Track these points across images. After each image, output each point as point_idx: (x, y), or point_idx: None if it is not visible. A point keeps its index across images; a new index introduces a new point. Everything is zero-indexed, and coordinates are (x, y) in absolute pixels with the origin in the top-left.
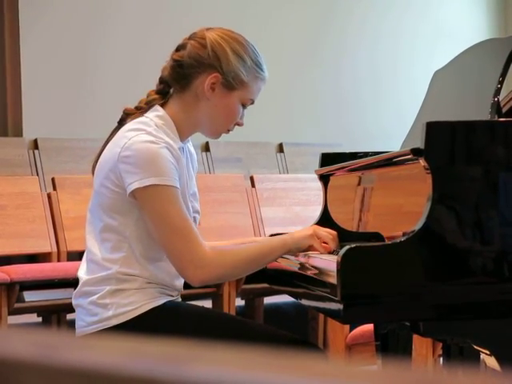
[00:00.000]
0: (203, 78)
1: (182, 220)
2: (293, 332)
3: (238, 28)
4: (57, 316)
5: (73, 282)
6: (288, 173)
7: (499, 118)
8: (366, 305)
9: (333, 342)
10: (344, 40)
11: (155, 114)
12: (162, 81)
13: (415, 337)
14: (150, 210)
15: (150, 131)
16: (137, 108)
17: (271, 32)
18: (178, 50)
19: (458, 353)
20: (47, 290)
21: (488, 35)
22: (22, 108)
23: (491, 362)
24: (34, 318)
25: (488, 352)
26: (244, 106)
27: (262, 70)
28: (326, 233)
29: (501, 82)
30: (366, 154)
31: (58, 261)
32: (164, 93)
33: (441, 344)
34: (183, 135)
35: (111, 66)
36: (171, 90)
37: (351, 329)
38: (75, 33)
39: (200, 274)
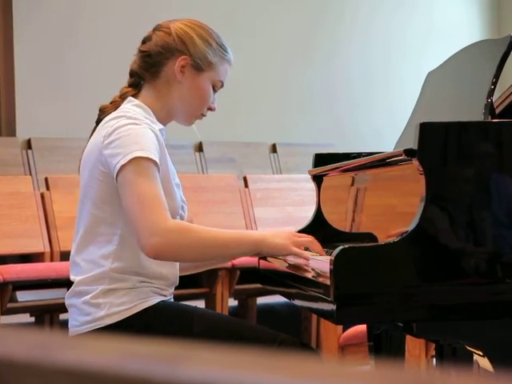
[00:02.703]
0: (172, 62)
1: (151, 190)
2: (286, 332)
3: (231, 27)
4: (50, 316)
5: (66, 282)
6: (281, 173)
7: (493, 118)
8: (359, 305)
9: (326, 343)
10: (336, 40)
11: (130, 104)
12: (132, 74)
13: (408, 337)
14: (123, 179)
15: (130, 115)
16: (111, 103)
17: (264, 32)
18: (144, 42)
19: (450, 354)
20: (40, 290)
21: (481, 35)
22: (15, 108)
23: (484, 362)
24: (26, 317)
25: (481, 353)
26: (214, 89)
27: (226, 51)
28: (304, 238)
29: (494, 83)
30: (359, 155)
31: (51, 261)
32: (136, 84)
33: (434, 345)
34: (160, 121)
35: (104, 66)
36: (142, 82)
37: (344, 329)
38: (69, 33)
39: (154, 244)
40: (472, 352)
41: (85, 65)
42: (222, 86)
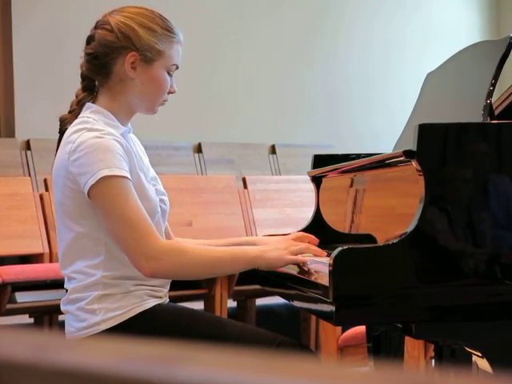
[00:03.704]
0: (121, 61)
1: (133, 211)
2: (285, 334)
3: (231, 28)
4: (49, 317)
5: (64, 285)
6: (280, 174)
7: (492, 120)
8: (358, 306)
9: (325, 344)
10: (335, 42)
11: (89, 111)
12: (83, 77)
13: (407, 338)
14: (102, 204)
15: (91, 127)
16: (70, 112)
17: (263, 33)
18: (88, 42)
19: (449, 355)
20: (39, 291)
21: (480, 36)
22: (14, 109)
23: (483, 364)
24: (25, 318)
25: (480, 354)
26: (169, 73)
27: (173, 33)
28: (299, 246)
29: (493, 84)
30: (358, 156)
31: (50, 262)
32: (90, 88)
33: (433, 346)
34: (123, 121)
35: None
36: (96, 84)
37: (343, 330)
38: (68, 34)
39: (151, 266)
40: (471, 353)
41: None
42: (177, 68)
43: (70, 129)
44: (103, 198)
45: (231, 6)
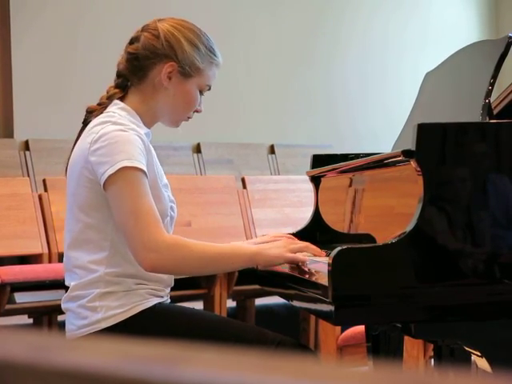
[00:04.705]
0: (159, 68)
1: (144, 204)
2: (284, 333)
3: (230, 30)
4: (48, 317)
5: (64, 284)
6: (279, 174)
7: (490, 119)
8: (357, 306)
9: (324, 344)
10: (334, 42)
11: (116, 107)
12: (119, 75)
13: (406, 338)
14: (115, 192)
15: (115, 121)
16: (99, 104)
17: (262, 34)
18: (131, 42)
19: (449, 354)
20: (38, 292)
21: (479, 36)
22: (13, 109)
23: (482, 363)
24: (25, 319)
25: (479, 353)
26: (201, 92)
27: (215, 55)
28: (299, 244)
29: (492, 84)
30: (357, 156)
31: (49, 262)
32: (123, 86)
33: (432, 345)
34: (146, 125)
35: (101, 67)
36: (129, 83)
37: (342, 330)
38: (65, 35)
39: (151, 259)
40: (470, 352)
41: (83, 66)
42: (210, 89)
43: (95, 121)
44: (119, 187)
45: (230, 7)
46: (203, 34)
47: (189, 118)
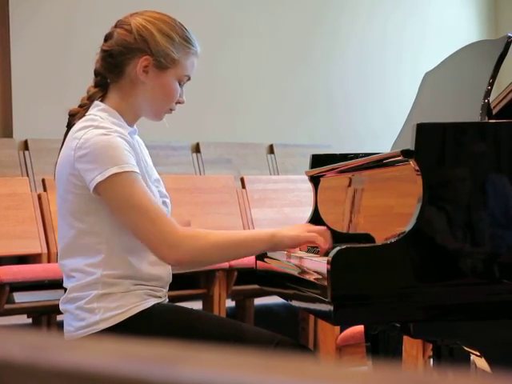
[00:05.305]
0: (135, 63)
1: (147, 202)
2: (283, 333)
3: (230, 29)
4: (47, 317)
5: (63, 284)
6: (278, 174)
7: (489, 119)
8: (356, 306)
9: (323, 344)
10: (333, 42)
11: (97, 108)
12: (96, 73)
13: (405, 338)
14: (115, 199)
15: (98, 124)
16: (80, 106)
17: (261, 34)
18: (106, 40)
19: (448, 354)
20: (37, 291)
21: (478, 36)
22: (12, 109)
23: (481, 363)
24: (24, 319)
25: (478, 353)
26: (180, 83)
27: (192, 44)
28: (317, 227)
29: (491, 84)
30: (356, 156)
31: (48, 262)
32: (102, 85)
33: (431, 345)
34: (129, 122)
35: None
36: (108, 81)
37: (341, 330)
38: (65, 34)
39: (174, 254)
40: (469, 352)
41: (81, 66)
42: (189, 79)
43: (77, 125)
44: (116, 194)
45: (230, 6)
46: (177, 24)
47: (171, 110)
